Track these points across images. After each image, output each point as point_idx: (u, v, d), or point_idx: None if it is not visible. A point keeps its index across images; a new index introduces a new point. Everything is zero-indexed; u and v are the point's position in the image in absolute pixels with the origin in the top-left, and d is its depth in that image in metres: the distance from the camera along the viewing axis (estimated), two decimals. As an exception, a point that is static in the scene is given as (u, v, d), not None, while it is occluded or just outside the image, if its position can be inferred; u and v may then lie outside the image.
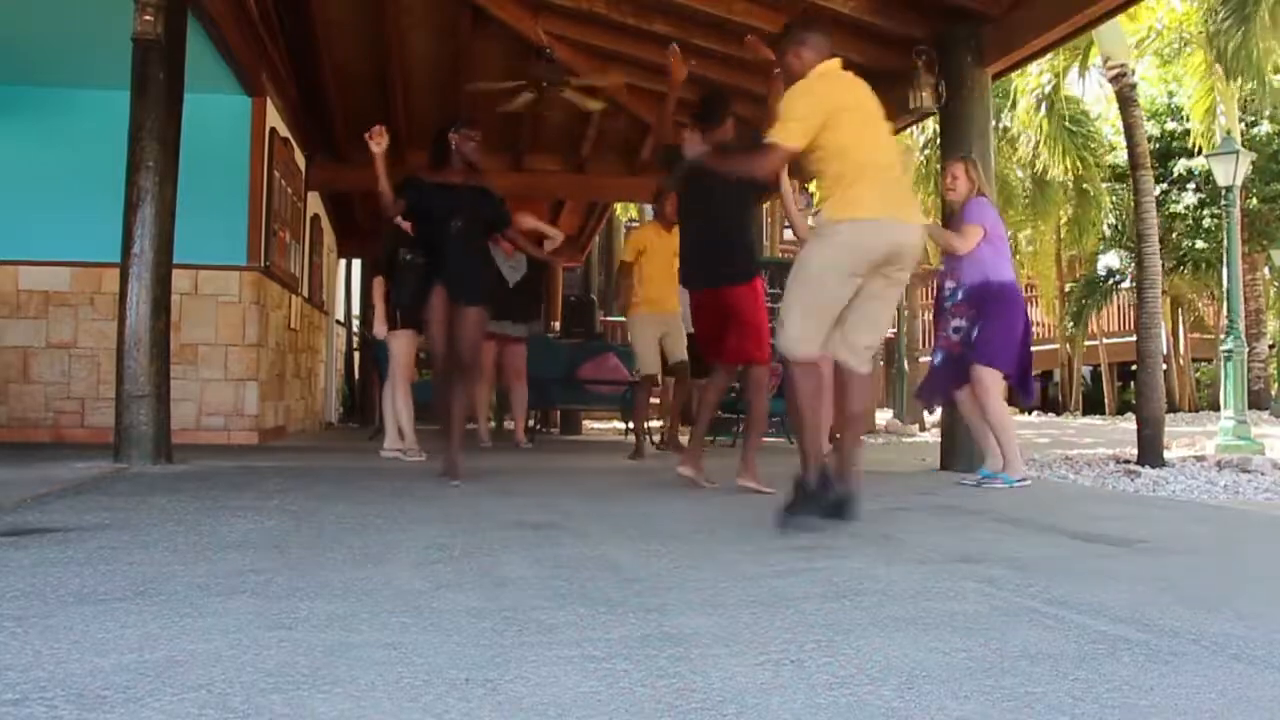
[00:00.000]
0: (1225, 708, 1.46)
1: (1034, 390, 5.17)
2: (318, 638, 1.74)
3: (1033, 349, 5.07)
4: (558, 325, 12.84)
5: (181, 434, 5.85)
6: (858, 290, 3.28)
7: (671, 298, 6.60)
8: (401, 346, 5.99)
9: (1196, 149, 13.49)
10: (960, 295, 4.95)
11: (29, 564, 2.38)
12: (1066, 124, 15.19)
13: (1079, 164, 15.59)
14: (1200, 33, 12.64)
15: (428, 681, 1.50)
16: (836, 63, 3.43)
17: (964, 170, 5.04)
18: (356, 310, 15.65)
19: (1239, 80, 11.75)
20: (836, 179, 3.30)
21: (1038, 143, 15.27)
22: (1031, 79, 14.39)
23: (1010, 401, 7.00)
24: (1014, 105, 15.28)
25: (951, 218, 5.20)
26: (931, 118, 7.17)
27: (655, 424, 8.45)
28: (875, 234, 3.22)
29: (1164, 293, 14.47)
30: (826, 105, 3.29)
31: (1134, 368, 12.11)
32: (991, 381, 4.81)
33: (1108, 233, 19.20)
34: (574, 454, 7.86)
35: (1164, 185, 17.27)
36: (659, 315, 6.55)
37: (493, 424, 9.70)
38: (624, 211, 17.96)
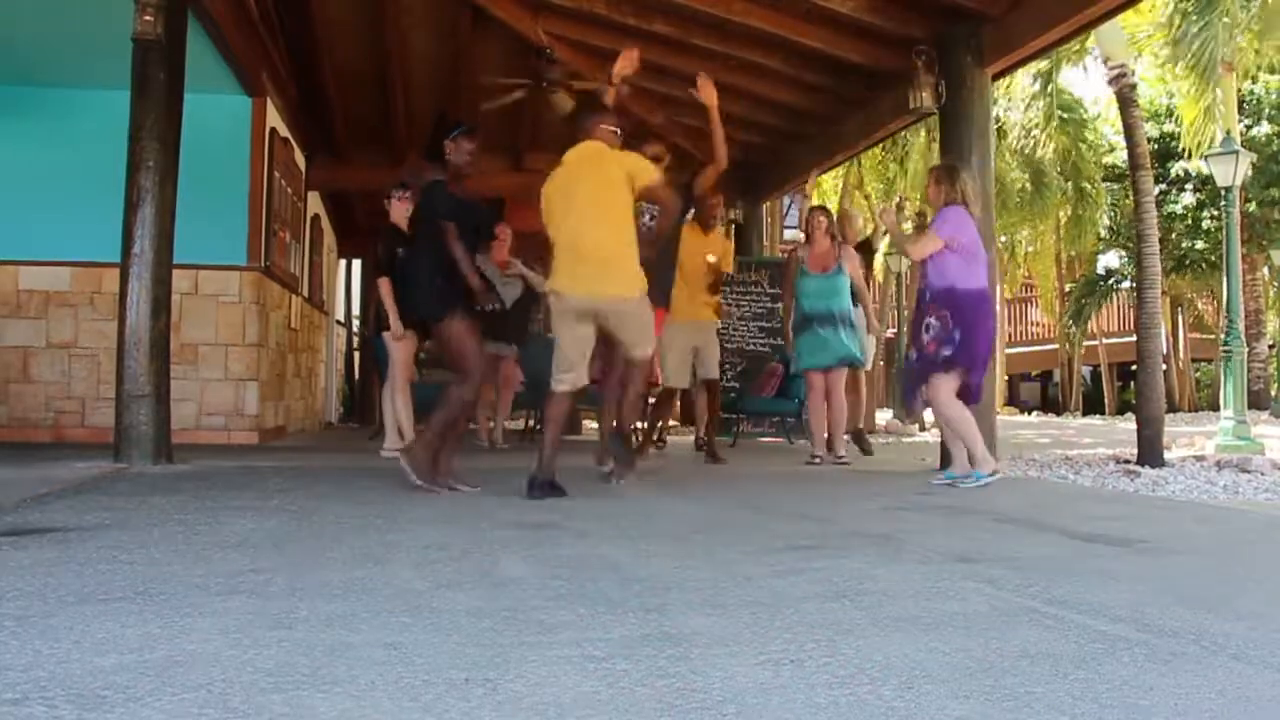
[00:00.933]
0: (1225, 708, 1.46)
1: (978, 394, 5.17)
2: (318, 637, 1.74)
3: (986, 354, 5.08)
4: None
5: (181, 434, 5.85)
6: (605, 326, 4.27)
7: (705, 306, 6.31)
8: (401, 347, 5.99)
9: (1186, 152, 13.46)
10: (929, 297, 5.04)
11: (29, 564, 2.38)
12: (1059, 111, 15.15)
13: (1071, 151, 15.56)
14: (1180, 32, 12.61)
15: (428, 681, 1.50)
16: (584, 146, 4.29)
17: (934, 179, 5.14)
18: (357, 310, 15.64)
19: (1209, 83, 11.71)
20: (555, 251, 4.28)
21: (1028, 130, 15.24)
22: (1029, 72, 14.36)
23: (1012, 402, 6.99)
24: (1005, 93, 15.22)
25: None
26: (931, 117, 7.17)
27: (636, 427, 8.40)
28: (567, 304, 4.22)
29: (1164, 293, 14.47)
30: (549, 188, 4.31)
31: (1134, 368, 12.11)
32: (941, 385, 4.84)
33: (1103, 232, 19.21)
34: (574, 454, 7.85)
35: (1163, 186, 17.27)
36: (692, 324, 6.22)
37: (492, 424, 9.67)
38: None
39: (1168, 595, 2.27)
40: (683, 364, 6.33)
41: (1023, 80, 14.41)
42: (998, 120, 15.35)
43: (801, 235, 6.89)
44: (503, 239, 6.82)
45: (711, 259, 6.28)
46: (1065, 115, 15.39)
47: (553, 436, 4.18)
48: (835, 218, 6.80)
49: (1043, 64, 13.95)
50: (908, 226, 16.26)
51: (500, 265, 6.73)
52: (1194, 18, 11.20)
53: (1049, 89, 14.70)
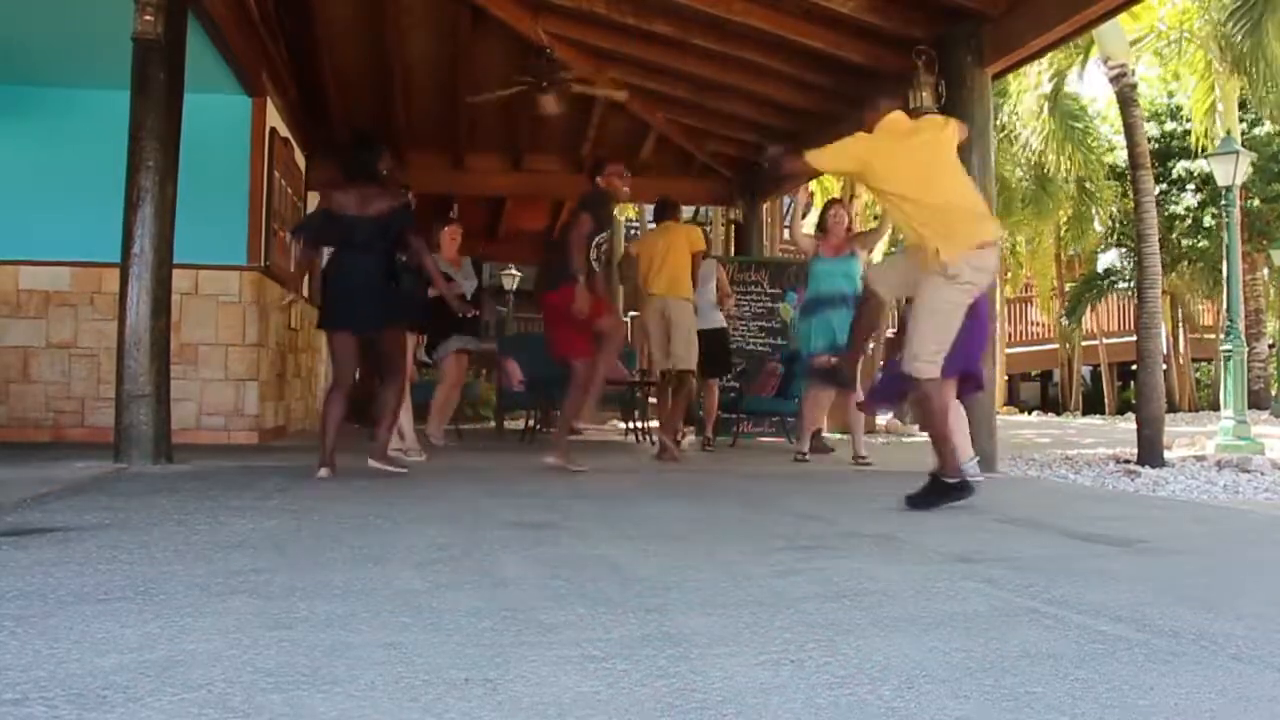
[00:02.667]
0: (1225, 708, 1.46)
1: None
2: (317, 637, 1.74)
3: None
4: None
5: (181, 434, 5.85)
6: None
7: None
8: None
9: (1200, 149, 13.45)
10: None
11: (29, 564, 2.38)
12: (1071, 123, 15.14)
13: (1083, 162, 15.57)
14: (1203, 31, 12.60)
15: (428, 681, 1.50)
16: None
17: None
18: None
19: (1248, 80, 11.72)
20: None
21: (1043, 146, 15.23)
22: (1033, 77, 14.32)
23: (1010, 400, 6.96)
24: (1009, 98, 15.19)
25: None
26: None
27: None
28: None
29: (1164, 292, 14.45)
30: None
31: (1134, 367, 12.11)
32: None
33: (1100, 230, 19.19)
34: (573, 454, 7.85)
35: (1163, 185, 17.26)
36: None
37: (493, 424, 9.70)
38: (621, 211, 17.94)
39: (1168, 595, 2.27)
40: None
41: (1027, 73, 14.36)
42: (1003, 128, 15.33)
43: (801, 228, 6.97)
44: (452, 238, 6.83)
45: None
46: (1074, 125, 15.38)
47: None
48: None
49: (1050, 66, 13.94)
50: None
51: (453, 263, 6.76)
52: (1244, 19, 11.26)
53: (1059, 101, 14.68)
